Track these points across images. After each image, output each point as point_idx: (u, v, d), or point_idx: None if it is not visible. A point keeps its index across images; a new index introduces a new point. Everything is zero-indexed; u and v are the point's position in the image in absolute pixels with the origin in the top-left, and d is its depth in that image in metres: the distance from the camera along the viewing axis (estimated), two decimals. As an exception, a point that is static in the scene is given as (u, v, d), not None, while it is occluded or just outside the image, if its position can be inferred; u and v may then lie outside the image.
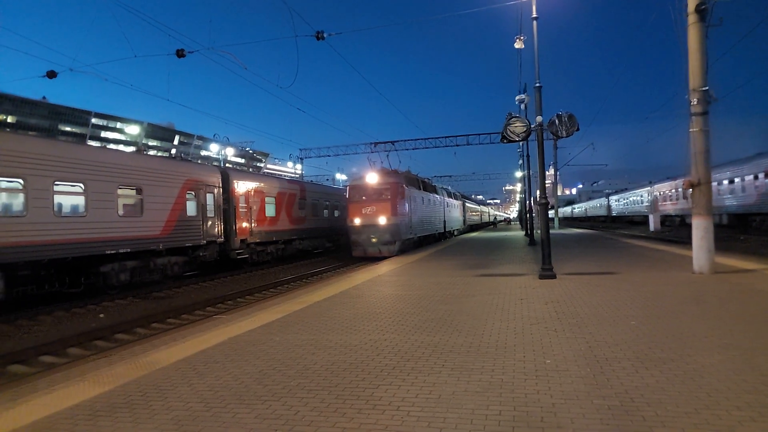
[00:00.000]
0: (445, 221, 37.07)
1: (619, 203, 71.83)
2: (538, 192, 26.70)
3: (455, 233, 42.48)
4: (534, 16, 12.92)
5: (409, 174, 29.65)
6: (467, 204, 55.18)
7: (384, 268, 15.82)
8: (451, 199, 41.50)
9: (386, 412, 4.08)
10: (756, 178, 30.32)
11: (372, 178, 25.09)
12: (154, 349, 6.59)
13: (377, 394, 4.50)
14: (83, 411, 4.37)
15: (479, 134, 43.40)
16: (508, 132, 12.11)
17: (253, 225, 23.28)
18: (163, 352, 6.33)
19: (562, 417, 3.81)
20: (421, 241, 28.96)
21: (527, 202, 35.77)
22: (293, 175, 65.09)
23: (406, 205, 25.33)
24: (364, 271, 15.63)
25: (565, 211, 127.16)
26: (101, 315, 13.29)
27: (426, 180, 34.13)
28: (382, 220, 23.84)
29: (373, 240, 23.84)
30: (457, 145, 43.82)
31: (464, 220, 49.92)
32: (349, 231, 25.04)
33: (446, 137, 43.86)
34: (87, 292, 15.47)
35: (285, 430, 3.79)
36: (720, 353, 5.25)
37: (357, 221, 24.46)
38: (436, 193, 34.89)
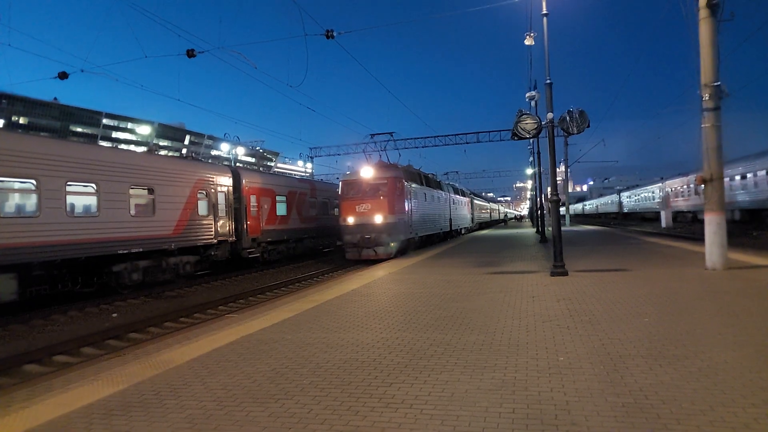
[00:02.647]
0: (450, 219, 35.09)
1: (630, 200, 71.36)
2: (549, 189, 26.55)
3: (463, 231, 41.14)
4: (544, 12, 12.86)
5: (410, 168, 27.72)
6: (476, 201, 53.69)
7: (382, 271, 15.57)
8: (457, 196, 39.73)
9: (399, 410, 4.08)
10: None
11: (367, 173, 22.80)
12: (167, 347, 6.63)
13: (390, 392, 4.51)
14: (98, 410, 4.40)
15: (489, 131, 43.30)
16: (519, 129, 12.07)
17: (264, 224, 23.36)
18: (176, 351, 6.37)
19: (576, 414, 3.79)
20: (423, 241, 27.21)
21: (538, 199, 35.61)
22: (303, 174, 65.27)
23: (406, 201, 23.27)
24: (370, 270, 15.64)
25: (576, 207, 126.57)
26: (114, 314, 13.39)
27: (430, 175, 32.21)
28: (379, 219, 21.64)
29: (369, 241, 21.62)
30: (467, 143, 43.74)
31: (472, 218, 48.37)
32: (342, 231, 22.81)
33: (456, 135, 43.79)
34: (100, 291, 15.61)
35: (299, 428, 3.80)
36: (734, 350, 5.20)
37: (350, 220, 22.22)
38: (441, 189, 32.95)
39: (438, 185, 32.70)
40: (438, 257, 18.63)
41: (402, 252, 22.44)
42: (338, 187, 24.27)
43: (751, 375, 4.44)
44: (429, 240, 28.56)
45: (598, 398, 4.09)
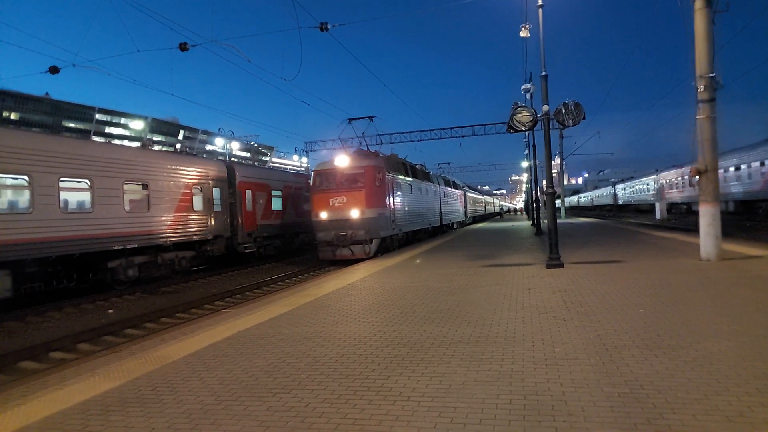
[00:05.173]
0: (441, 213, 32.73)
1: (625, 192, 71.61)
2: (544, 181, 26.51)
3: (455, 226, 39.49)
4: (539, 3, 12.83)
5: (394, 157, 25.30)
6: (469, 194, 52.11)
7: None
8: (449, 189, 37.40)
9: (397, 402, 4.09)
10: (762, 164, 30.15)
11: (342, 161, 20.24)
12: (163, 343, 6.62)
13: (387, 384, 4.52)
14: (95, 406, 4.40)
15: (485, 124, 43.42)
16: (515, 121, 12.07)
17: (259, 219, 23.31)
18: (172, 347, 6.37)
19: (572, 405, 3.81)
20: (409, 237, 24.77)
21: (533, 191, 35.64)
22: (299, 169, 65.15)
23: (387, 194, 20.70)
24: (367, 265, 15.64)
25: (572, 200, 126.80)
26: (110, 311, 13.36)
27: (417, 166, 29.64)
28: (355, 213, 19.18)
29: (344, 238, 19.28)
30: (463, 136, 43.88)
31: (466, 212, 46.54)
32: (314, 228, 20.27)
33: (452, 128, 43.93)
34: (95, 288, 15.57)
35: (296, 422, 3.81)
36: (729, 340, 5.23)
37: (323, 215, 19.65)
38: (430, 181, 30.54)
39: (426, 176, 30.54)
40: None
41: (384, 250, 20.43)
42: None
43: (746, 364, 4.46)
44: (416, 236, 26.51)
45: (594, 388, 4.11)
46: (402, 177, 23.72)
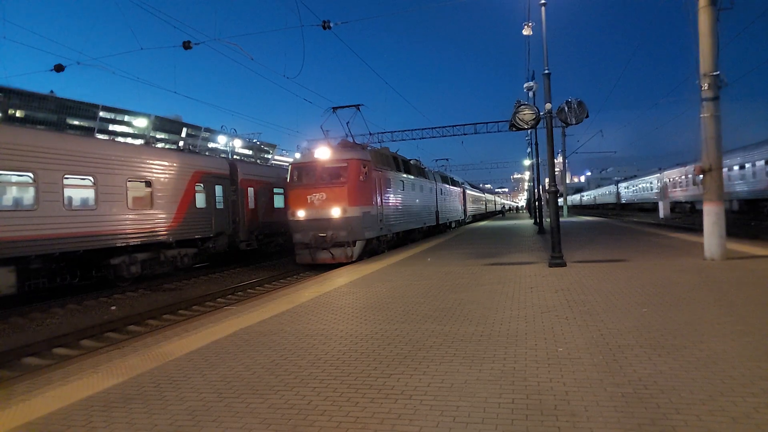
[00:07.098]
0: (438, 212, 31.09)
1: (628, 190, 71.45)
2: (546, 180, 26.45)
3: (453, 225, 38.33)
4: (542, 1, 12.78)
5: (383, 151, 23.33)
6: (469, 191, 50.75)
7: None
8: (446, 186, 35.69)
9: (399, 401, 4.08)
10: (767, 163, 30.03)
11: (323, 154, 18.16)
12: (166, 340, 6.63)
13: (389, 383, 4.51)
14: (97, 402, 4.41)
15: (487, 123, 43.19)
16: (518, 120, 12.03)
17: (261, 216, 23.32)
18: (175, 344, 6.38)
19: (575, 405, 3.80)
20: (400, 238, 23.01)
21: (536, 190, 35.55)
22: (301, 166, 64.91)
23: (374, 190, 18.83)
24: (366, 264, 15.62)
25: (574, 198, 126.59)
26: (113, 307, 13.38)
27: (412, 161, 27.66)
28: (336, 212, 17.21)
29: (324, 240, 17.35)
30: (465, 134, 43.60)
31: (465, 210, 45.29)
32: (291, 228, 18.31)
33: (453, 126, 43.65)
34: (98, 284, 15.59)
35: (298, 420, 3.81)
36: (734, 339, 5.21)
37: (301, 214, 17.70)
38: (426, 178, 28.62)
39: (422, 172, 28.52)
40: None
41: (371, 253, 18.81)
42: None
43: (751, 364, 4.44)
44: (410, 237, 24.83)
45: (598, 388, 4.09)
46: (393, 172, 21.94)
